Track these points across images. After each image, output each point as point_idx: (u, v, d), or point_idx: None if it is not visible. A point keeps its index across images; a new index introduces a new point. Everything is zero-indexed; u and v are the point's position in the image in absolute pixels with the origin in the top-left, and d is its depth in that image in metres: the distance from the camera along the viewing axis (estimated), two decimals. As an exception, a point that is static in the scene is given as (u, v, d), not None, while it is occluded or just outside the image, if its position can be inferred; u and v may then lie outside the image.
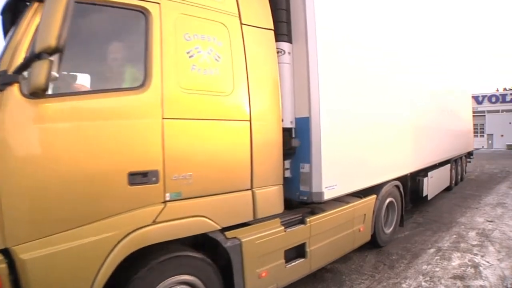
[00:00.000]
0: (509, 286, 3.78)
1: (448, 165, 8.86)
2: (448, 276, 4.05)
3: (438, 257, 4.64)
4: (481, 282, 3.86)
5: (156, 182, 2.33)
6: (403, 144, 5.41)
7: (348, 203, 4.15)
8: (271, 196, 3.12)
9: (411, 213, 6.86)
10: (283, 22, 3.38)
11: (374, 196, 4.65)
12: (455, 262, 4.47)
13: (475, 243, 5.21)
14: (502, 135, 36.49)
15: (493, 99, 38.30)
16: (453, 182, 9.74)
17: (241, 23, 2.92)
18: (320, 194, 3.42)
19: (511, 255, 4.67)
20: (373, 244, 4.83)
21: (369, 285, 3.88)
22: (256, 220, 2.99)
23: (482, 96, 38.47)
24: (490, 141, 37.99)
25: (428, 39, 6.57)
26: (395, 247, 5.08)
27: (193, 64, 2.55)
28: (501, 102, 37.79)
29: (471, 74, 11.86)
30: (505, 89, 39.72)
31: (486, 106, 38.09)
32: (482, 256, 4.64)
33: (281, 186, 3.23)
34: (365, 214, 4.45)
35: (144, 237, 2.28)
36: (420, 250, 4.95)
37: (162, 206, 2.37)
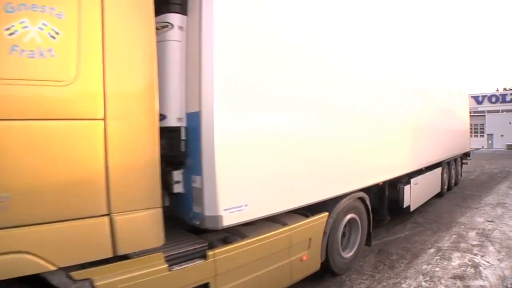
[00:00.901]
0: (509, 286, 3.78)
1: (439, 169, 8.11)
2: (448, 276, 4.05)
3: (438, 257, 4.63)
4: (481, 282, 3.86)
5: None
6: (369, 146, 4.39)
7: (285, 225, 3.25)
8: (142, 224, 2.32)
9: (411, 213, 6.86)
10: None
11: (326, 214, 3.67)
12: (455, 262, 4.47)
13: (475, 243, 5.21)
14: (502, 135, 36.50)
15: (493, 99, 38.32)
16: (445, 187, 8.98)
17: None
18: (216, 218, 2.52)
19: (511, 255, 4.67)
20: (326, 272, 3.92)
21: (369, 285, 3.88)
22: (137, 253, 2.31)
23: (482, 96, 38.50)
24: (490, 141, 38.00)
25: (403, 29, 5.66)
26: (395, 247, 5.07)
27: (13, 45, 1.90)
28: (501, 102, 37.80)
29: (471, 74, 11.78)
30: (505, 89, 39.74)
31: (486, 106, 38.12)
32: (482, 256, 4.64)
33: (159, 209, 2.41)
34: (310, 238, 3.50)
35: None
36: (420, 250, 4.95)
37: None
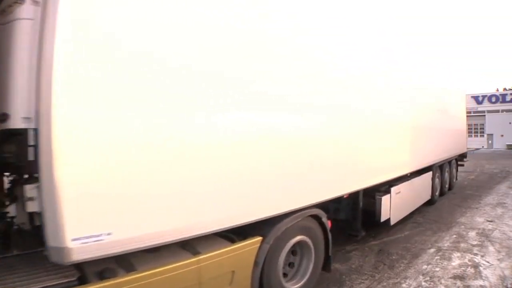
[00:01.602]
0: (509, 286, 3.78)
1: (429, 173, 7.26)
2: (448, 276, 4.04)
3: (438, 257, 4.63)
4: (481, 282, 3.86)
5: None
6: (332, 147, 3.59)
7: (197, 253, 2.49)
8: None
9: (411, 214, 6.85)
10: None
11: (258, 238, 2.85)
12: (455, 262, 4.47)
13: (475, 243, 5.21)
14: (502, 135, 36.52)
15: (493, 99, 38.34)
16: (437, 193, 8.04)
17: None
18: (61, 251, 1.83)
19: (511, 255, 4.67)
20: None
21: (369, 285, 3.88)
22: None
23: (482, 96, 38.53)
24: (490, 141, 38.02)
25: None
26: (395, 247, 5.07)
27: None
28: (501, 102, 37.83)
29: (469, 70, 11.58)
30: (505, 89, 39.74)
31: (486, 106, 38.15)
32: (482, 256, 4.64)
33: None
34: (233, 271, 2.70)
35: None
36: (420, 250, 4.94)
37: None
